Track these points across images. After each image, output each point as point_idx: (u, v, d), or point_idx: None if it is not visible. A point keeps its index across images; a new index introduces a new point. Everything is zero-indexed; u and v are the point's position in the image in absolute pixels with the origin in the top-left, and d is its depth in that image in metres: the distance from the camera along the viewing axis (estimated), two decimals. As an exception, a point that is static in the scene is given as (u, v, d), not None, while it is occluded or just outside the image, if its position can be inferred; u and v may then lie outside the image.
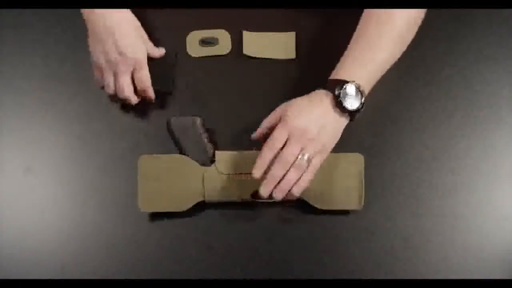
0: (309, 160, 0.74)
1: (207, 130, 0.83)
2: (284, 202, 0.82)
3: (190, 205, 0.81)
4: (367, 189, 0.82)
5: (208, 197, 0.81)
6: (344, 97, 0.74)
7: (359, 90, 0.74)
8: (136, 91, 0.82)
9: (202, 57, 0.87)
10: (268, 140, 0.74)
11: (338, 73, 0.76)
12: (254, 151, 0.81)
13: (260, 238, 0.83)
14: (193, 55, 0.87)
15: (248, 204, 0.82)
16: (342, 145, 0.84)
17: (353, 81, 0.74)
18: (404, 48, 0.80)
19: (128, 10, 0.80)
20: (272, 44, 0.87)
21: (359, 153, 0.82)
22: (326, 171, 0.81)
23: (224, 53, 0.88)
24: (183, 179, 0.81)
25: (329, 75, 0.77)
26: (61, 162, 0.85)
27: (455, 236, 0.84)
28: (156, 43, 0.85)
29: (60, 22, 0.88)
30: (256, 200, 0.81)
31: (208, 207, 0.83)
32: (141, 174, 0.81)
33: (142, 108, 0.86)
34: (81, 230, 0.83)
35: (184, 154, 0.81)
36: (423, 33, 0.88)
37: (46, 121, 0.86)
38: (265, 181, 0.74)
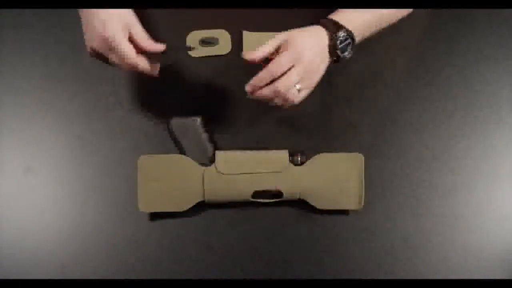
0: (299, 92, 0.74)
1: (207, 130, 0.83)
2: (284, 202, 0.82)
3: (190, 205, 0.81)
4: (367, 189, 0.82)
5: (208, 197, 0.81)
6: (339, 43, 0.75)
7: (352, 39, 0.75)
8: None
9: (202, 57, 0.87)
10: (271, 63, 0.73)
11: (338, 15, 0.77)
12: (253, 151, 0.81)
13: (260, 238, 0.83)
14: (193, 55, 0.87)
15: (248, 204, 0.82)
16: (342, 145, 0.84)
17: (350, 30, 0.75)
18: (401, 14, 0.81)
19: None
20: None
21: (360, 153, 0.82)
22: (326, 171, 0.81)
23: (224, 53, 0.88)
24: (183, 179, 0.80)
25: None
26: (61, 162, 0.85)
27: (455, 236, 0.84)
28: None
29: (60, 22, 0.88)
30: (256, 200, 0.81)
31: (208, 207, 0.83)
32: (141, 174, 0.81)
33: (142, 108, 0.86)
34: (81, 230, 0.83)
35: (184, 154, 0.81)
36: (423, 33, 0.88)
37: (46, 121, 0.86)
38: (252, 95, 0.75)
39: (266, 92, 0.73)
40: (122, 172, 0.84)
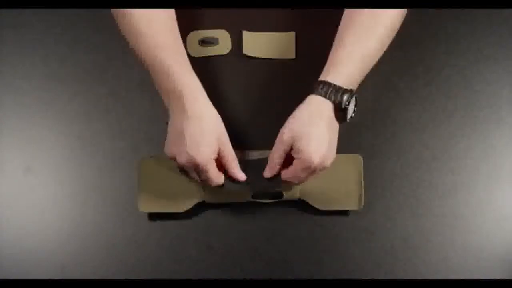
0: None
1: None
2: (284, 202, 0.82)
3: (190, 206, 0.81)
4: (367, 189, 0.82)
5: (208, 197, 0.81)
6: (346, 106, 0.73)
7: (355, 98, 0.74)
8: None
9: (202, 57, 0.87)
10: (286, 171, 0.74)
11: (331, 75, 0.74)
12: (253, 152, 0.81)
13: (260, 238, 0.83)
14: (193, 55, 0.87)
15: (248, 204, 0.82)
16: (342, 145, 0.84)
17: (351, 89, 0.73)
18: (386, 47, 0.79)
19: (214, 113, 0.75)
20: (272, 44, 0.87)
21: (360, 153, 0.82)
22: (326, 171, 0.81)
23: (224, 53, 0.88)
24: (183, 180, 0.80)
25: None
26: (61, 162, 0.85)
27: (455, 236, 0.84)
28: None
29: (60, 22, 0.88)
30: (256, 200, 0.81)
31: (208, 207, 0.83)
32: (141, 175, 0.81)
33: (142, 108, 0.86)
34: (81, 230, 0.83)
35: (184, 154, 0.81)
36: (423, 33, 0.88)
37: (46, 121, 0.86)
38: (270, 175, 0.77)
39: (284, 175, 0.76)
40: (122, 172, 0.84)
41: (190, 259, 0.83)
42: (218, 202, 0.82)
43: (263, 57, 0.87)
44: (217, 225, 0.83)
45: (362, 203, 0.81)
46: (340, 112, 0.73)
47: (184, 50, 0.77)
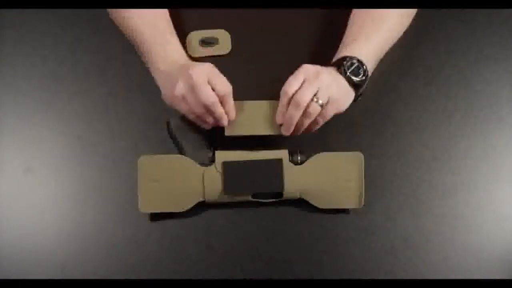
0: (322, 107, 0.75)
1: (207, 130, 0.83)
2: (284, 201, 0.82)
3: (190, 205, 0.81)
4: (367, 189, 0.82)
5: (208, 197, 0.81)
6: (348, 69, 0.76)
7: (361, 63, 0.77)
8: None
9: (202, 57, 0.87)
10: (283, 86, 0.76)
11: (341, 52, 0.79)
12: (253, 151, 0.81)
13: (260, 238, 0.83)
14: (193, 55, 0.87)
15: (248, 204, 0.82)
16: (342, 145, 0.84)
17: (355, 57, 0.77)
18: (405, 27, 0.82)
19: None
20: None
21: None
22: (326, 170, 0.81)
23: (224, 53, 0.88)
24: (183, 179, 0.80)
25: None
26: (61, 162, 0.85)
27: (455, 236, 0.84)
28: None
29: (60, 22, 0.88)
30: (256, 200, 0.81)
31: (208, 207, 0.83)
32: (141, 175, 0.81)
33: (142, 108, 0.86)
34: (81, 230, 0.83)
35: (184, 154, 0.81)
36: (423, 33, 0.88)
37: (46, 121, 0.86)
38: (283, 126, 0.77)
39: (289, 111, 0.75)
40: (122, 172, 0.84)
41: (190, 259, 0.82)
42: (218, 202, 0.82)
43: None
44: (217, 225, 0.83)
45: (363, 202, 0.81)
46: (343, 72, 0.77)
47: (168, 27, 0.82)
